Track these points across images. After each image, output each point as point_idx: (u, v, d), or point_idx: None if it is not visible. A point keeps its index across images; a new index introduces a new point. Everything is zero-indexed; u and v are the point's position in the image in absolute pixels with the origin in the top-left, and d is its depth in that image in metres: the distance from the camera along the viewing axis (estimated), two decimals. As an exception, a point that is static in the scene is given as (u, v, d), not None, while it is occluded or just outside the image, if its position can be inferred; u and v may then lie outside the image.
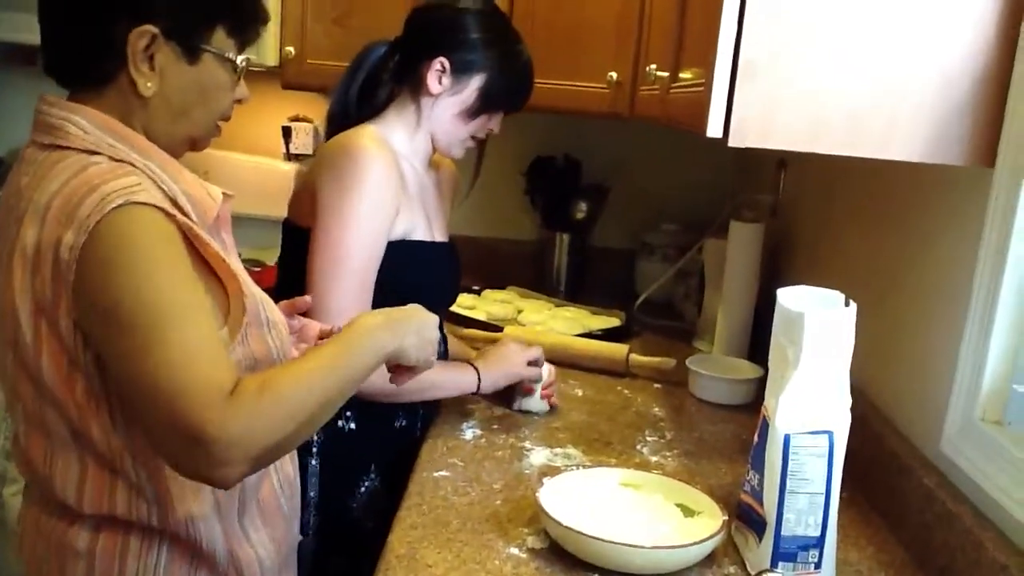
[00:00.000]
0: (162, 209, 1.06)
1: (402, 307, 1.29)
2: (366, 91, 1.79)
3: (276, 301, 1.35)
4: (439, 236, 1.82)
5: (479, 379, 1.76)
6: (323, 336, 1.43)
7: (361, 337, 1.17)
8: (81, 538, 1.15)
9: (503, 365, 1.80)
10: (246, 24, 1.22)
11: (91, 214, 1.02)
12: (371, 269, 1.62)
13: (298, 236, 1.68)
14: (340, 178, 1.60)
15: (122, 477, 1.13)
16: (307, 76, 2.56)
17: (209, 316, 1.08)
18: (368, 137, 1.65)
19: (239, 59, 1.21)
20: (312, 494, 1.70)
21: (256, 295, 1.20)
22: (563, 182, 2.92)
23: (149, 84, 1.14)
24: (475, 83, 1.72)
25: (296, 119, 3.01)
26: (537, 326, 2.43)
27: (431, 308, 1.81)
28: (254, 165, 2.98)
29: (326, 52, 2.53)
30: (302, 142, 3.01)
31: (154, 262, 1.04)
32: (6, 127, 2.93)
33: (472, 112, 1.74)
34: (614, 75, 2.32)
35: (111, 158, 1.10)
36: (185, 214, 1.11)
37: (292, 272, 1.67)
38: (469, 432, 1.72)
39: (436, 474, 1.53)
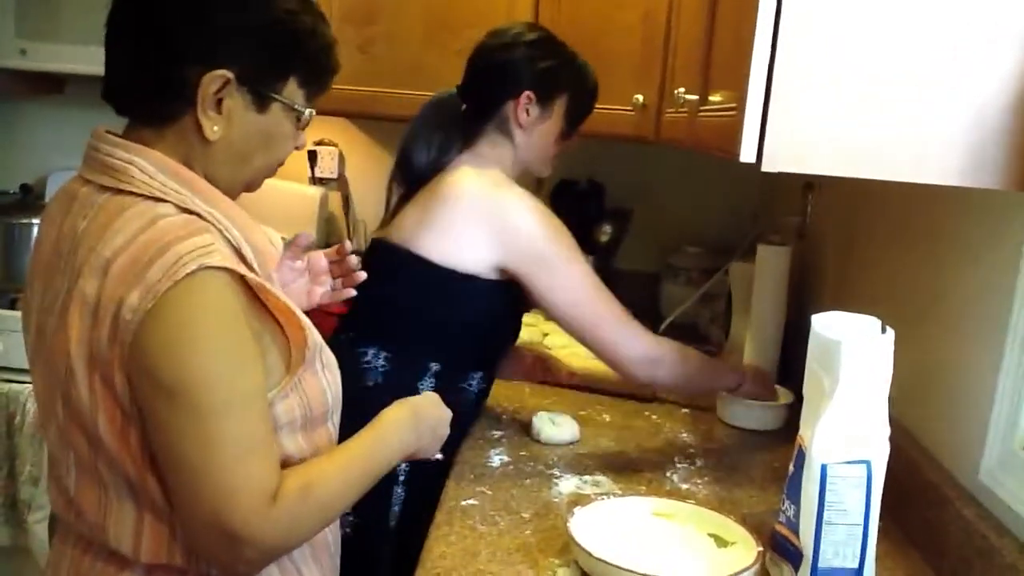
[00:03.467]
0: (233, 271, 1.04)
1: (425, 398, 1.35)
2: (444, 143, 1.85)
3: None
4: None
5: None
6: (331, 259, 1.51)
7: (390, 437, 1.25)
8: None
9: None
10: (318, 76, 1.20)
11: (162, 279, 0.99)
12: None
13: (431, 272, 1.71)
14: (535, 230, 1.69)
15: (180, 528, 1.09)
16: (332, 101, 2.53)
17: (265, 405, 1.08)
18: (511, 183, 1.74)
19: (307, 111, 1.19)
20: (392, 524, 1.71)
21: (317, 342, 1.18)
22: (587, 205, 2.92)
23: (216, 128, 1.11)
24: (560, 105, 1.82)
25: (321, 143, 3.04)
26: (563, 349, 2.40)
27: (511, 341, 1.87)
28: (280, 189, 2.98)
29: (350, 78, 2.50)
30: (327, 166, 3.04)
31: (222, 342, 1.03)
32: (32, 155, 2.92)
33: (563, 132, 1.86)
34: (640, 98, 2.32)
35: (177, 205, 1.07)
36: (250, 266, 1.08)
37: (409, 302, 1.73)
38: (496, 459, 1.70)
39: (464, 503, 1.51)
